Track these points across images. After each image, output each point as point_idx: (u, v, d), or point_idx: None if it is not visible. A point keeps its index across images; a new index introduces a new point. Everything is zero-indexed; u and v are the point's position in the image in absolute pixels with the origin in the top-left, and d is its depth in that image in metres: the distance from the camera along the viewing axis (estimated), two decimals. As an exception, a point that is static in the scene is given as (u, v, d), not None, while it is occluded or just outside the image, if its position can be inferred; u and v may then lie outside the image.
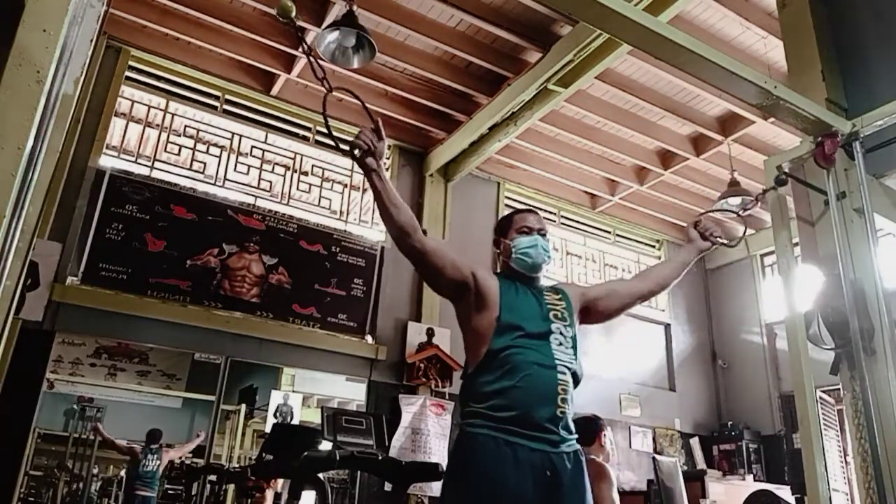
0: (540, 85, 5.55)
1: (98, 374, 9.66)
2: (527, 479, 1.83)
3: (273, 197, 6.40)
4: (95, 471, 8.92)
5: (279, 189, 6.47)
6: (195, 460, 8.26)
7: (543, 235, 2.19)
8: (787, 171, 2.78)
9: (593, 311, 2.24)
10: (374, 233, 6.80)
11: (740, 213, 2.75)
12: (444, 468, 2.06)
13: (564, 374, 1.97)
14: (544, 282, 2.24)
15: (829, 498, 2.53)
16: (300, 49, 1.87)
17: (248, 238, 6.01)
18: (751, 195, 6.26)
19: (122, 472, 9.31)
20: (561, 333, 2.05)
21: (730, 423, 8.09)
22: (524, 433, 1.87)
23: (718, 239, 2.46)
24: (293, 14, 1.83)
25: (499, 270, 2.26)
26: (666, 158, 7.32)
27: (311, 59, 1.90)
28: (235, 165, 6.28)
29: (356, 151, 1.90)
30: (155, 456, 7.24)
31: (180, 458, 8.48)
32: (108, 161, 5.64)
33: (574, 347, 2.07)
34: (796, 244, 2.87)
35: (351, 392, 7.51)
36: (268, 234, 6.12)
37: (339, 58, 4.55)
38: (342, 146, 1.93)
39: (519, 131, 6.24)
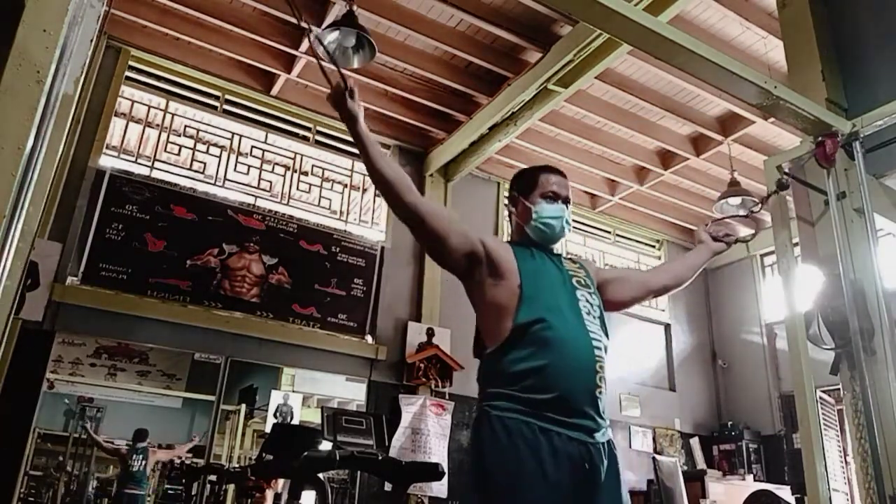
0: (540, 85, 5.55)
1: (98, 374, 9.66)
2: (564, 473, 1.62)
3: (273, 197, 6.40)
4: (88, 468, 8.92)
5: (279, 189, 6.47)
6: (195, 460, 8.27)
7: (568, 204, 1.99)
8: (787, 171, 2.78)
9: (603, 295, 2.01)
10: (374, 233, 6.80)
11: (748, 215, 2.71)
12: (471, 458, 1.78)
13: (599, 347, 1.78)
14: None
15: (829, 498, 2.54)
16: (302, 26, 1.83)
17: (248, 238, 6.01)
18: (751, 195, 6.29)
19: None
20: (588, 301, 1.87)
21: (730, 423, 8.09)
22: (561, 420, 1.66)
23: (729, 237, 2.39)
24: None
25: (508, 236, 2.05)
26: (666, 158, 7.32)
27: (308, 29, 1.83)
28: (235, 165, 6.27)
29: (341, 95, 1.73)
30: (141, 455, 7.26)
31: (179, 459, 8.50)
32: (108, 161, 5.64)
33: (602, 318, 1.88)
34: (796, 244, 2.87)
35: (351, 392, 7.51)
36: (268, 234, 6.12)
37: (339, 58, 4.54)
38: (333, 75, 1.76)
39: (519, 131, 6.24)
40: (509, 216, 2.07)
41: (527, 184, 2.01)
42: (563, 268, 1.93)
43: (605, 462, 1.70)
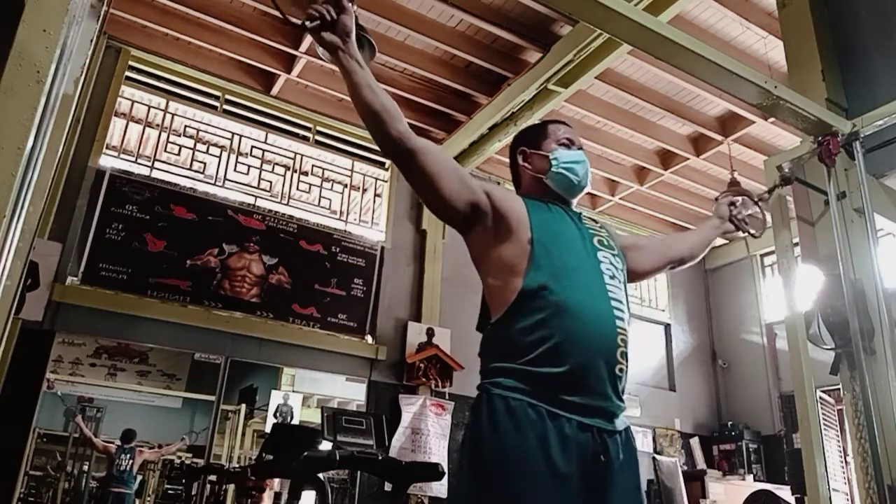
0: (540, 85, 5.55)
1: (98, 374, 9.67)
2: (573, 465, 1.40)
3: (273, 197, 6.40)
4: (85, 468, 8.94)
5: (279, 189, 6.47)
6: (195, 460, 8.28)
7: (582, 151, 1.80)
8: (787, 171, 2.78)
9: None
10: (374, 233, 6.80)
11: (757, 201, 2.42)
12: (466, 444, 1.54)
13: (622, 319, 1.55)
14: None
15: (829, 498, 2.54)
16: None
17: (248, 238, 6.01)
18: (751, 195, 6.29)
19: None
20: (611, 264, 1.64)
21: (730, 423, 8.09)
22: (574, 402, 1.43)
23: (747, 227, 2.25)
24: None
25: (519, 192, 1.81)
26: (666, 158, 7.32)
27: None
28: (235, 165, 6.27)
29: (308, 23, 1.51)
30: (128, 455, 7.34)
31: (178, 459, 8.51)
32: (108, 161, 5.64)
33: (626, 285, 1.65)
34: (796, 244, 2.87)
35: (351, 392, 7.52)
36: (268, 234, 6.12)
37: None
38: (292, 20, 1.53)
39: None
40: (517, 177, 1.85)
41: (536, 136, 1.82)
42: (584, 225, 1.71)
43: (622, 454, 1.48)
